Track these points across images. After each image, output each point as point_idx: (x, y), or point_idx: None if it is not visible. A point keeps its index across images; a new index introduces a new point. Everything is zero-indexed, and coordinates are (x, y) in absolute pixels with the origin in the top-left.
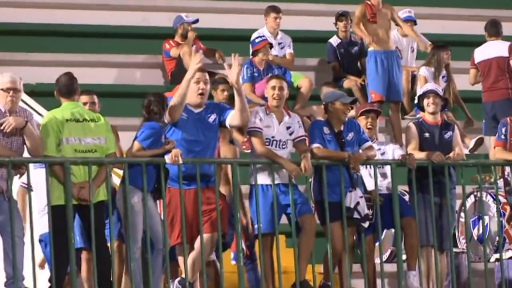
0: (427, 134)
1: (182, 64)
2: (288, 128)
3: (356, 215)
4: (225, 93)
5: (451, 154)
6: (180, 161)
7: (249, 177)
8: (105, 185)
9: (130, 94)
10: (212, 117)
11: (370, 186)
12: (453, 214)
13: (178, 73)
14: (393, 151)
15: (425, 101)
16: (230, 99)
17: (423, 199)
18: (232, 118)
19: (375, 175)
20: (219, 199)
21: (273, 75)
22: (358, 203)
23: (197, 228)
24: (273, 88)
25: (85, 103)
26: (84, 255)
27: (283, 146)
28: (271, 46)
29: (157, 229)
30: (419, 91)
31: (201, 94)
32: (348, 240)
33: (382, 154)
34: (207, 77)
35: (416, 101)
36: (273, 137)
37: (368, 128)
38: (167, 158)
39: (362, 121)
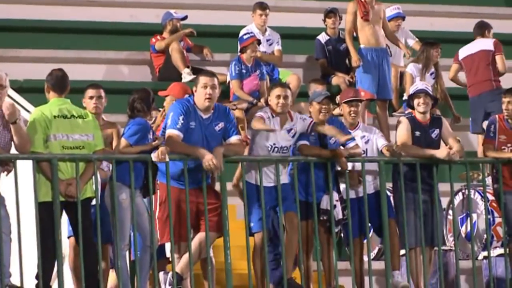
0: (418, 133)
1: (170, 60)
2: (289, 131)
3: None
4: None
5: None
6: (167, 159)
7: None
8: (93, 182)
9: (118, 90)
10: (220, 126)
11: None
12: (441, 211)
13: (166, 69)
14: (376, 140)
15: (416, 101)
16: (221, 95)
17: (412, 199)
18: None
19: (363, 172)
20: (217, 199)
21: (277, 83)
22: (334, 206)
23: (192, 227)
24: (278, 97)
25: (91, 97)
26: (71, 241)
27: (284, 151)
28: (259, 42)
29: (145, 226)
30: (410, 90)
31: (208, 99)
32: (321, 236)
33: (366, 142)
34: (215, 82)
35: (404, 97)
36: (274, 144)
37: (352, 116)
38: (153, 156)
39: (346, 109)
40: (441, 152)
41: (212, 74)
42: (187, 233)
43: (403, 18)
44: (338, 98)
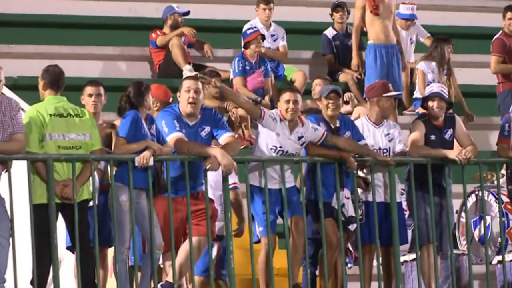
0: (433, 137)
1: (171, 57)
2: (300, 138)
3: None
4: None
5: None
6: (150, 163)
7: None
8: (90, 183)
9: (115, 88)
10: (206, 131)
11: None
12: (451, 214)
13: (166, 66)
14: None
15: (430, 104)
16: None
17: (422, 198)
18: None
19: (372, 174)
20: (209, 204)
21: (287, 87)
22: (343, 204)
23: (183, 235)
24: (287, 102)
25: (90, 95)
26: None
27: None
28: (263, 38)
29: (153, 231)
30: (426, 91)
31: (192, 103)
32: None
33: (390, 140)
34: (199, 85)
35: (415, 95)
36: (280, 147)
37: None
38: (136, 160)
39: (385, 104)
40: (452, 152)
41: (196, 78)
42: (179, 242)
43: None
44: (346, 96)
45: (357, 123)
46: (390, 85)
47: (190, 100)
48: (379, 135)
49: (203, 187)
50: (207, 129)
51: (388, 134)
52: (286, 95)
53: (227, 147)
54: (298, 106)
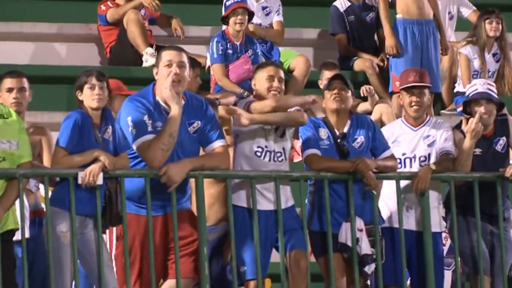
0: (479, 150)
1: (126, 37)
2: (283, 133)
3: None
4: (198, 79)
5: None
6: (99, 182)
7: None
8: (18, 209)
9: (52, 78)
10: (195, 126)
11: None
12: (508, 249)
13: (120, 49)
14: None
15: (475, 108)
16: (202, 85)
17: (465, 222)
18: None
19: (398, 193)
20: (195, 229)
21: (268, 61)
22: (357, 239)
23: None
24: (271, 78)
25: (10, 89)
26: None
27: (280, 158)
28: (251, 15)
29: (102, 273)
30: (467, 91)
31: (175, 81)
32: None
33: (430, 144)
34: (184, 58)
35: (456, 88)
36: (266, 146)
37: (414, 109)
38: (80, 177)
39: (406, 99)
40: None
41: (179, 49)
42: (156, 279)
43: None
44: (363, 90)
45: (391, 126)
46: (415, 74)
47: (174, 77)
48: (416, 140)
49: (189, 202)
50: (197, 124)
51: (428, 136)
52: (268, 70)
53: (209, 160)
54: (283, 85)
